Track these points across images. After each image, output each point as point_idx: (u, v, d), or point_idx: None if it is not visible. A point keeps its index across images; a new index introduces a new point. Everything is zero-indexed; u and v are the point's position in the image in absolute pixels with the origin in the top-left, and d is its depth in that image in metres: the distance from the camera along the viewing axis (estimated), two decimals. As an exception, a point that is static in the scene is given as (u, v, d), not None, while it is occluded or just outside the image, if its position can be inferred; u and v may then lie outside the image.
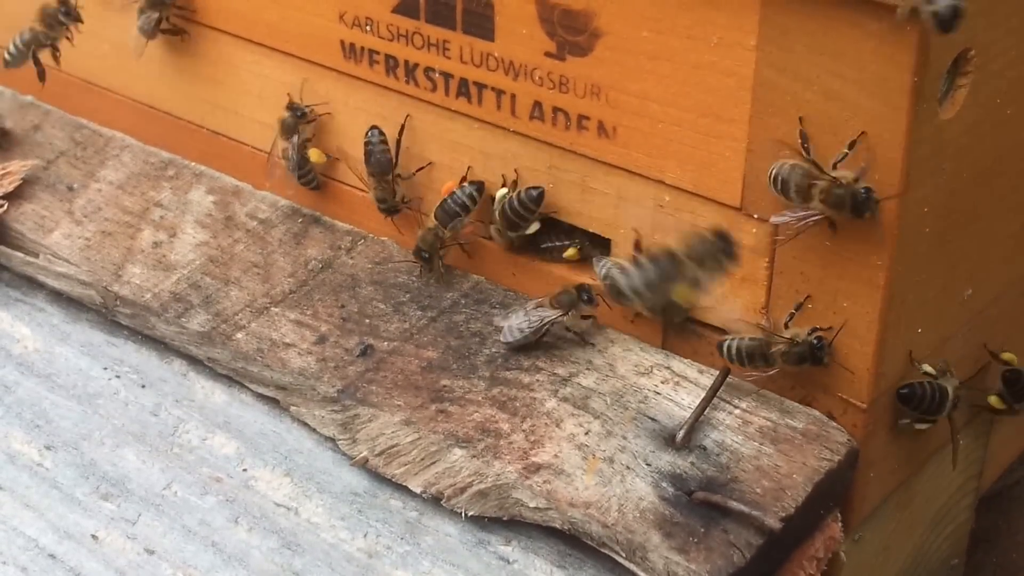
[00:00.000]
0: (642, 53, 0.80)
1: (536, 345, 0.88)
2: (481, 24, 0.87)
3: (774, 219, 0.78)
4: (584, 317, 0.88)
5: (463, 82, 0.90)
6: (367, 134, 0.94)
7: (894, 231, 0.75)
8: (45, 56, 1.07)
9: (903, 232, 0.76)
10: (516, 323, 0.87)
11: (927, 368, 0.83)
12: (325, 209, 1.02)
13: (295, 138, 0.98)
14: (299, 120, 0.97)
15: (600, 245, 0.89)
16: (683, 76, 0.79)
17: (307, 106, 0.97)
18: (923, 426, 0.85)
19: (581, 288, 0.87)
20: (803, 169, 0.76)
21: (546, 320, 0.86)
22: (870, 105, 0.73)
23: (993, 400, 0.91)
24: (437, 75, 0.91)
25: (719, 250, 0.78)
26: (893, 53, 0.71)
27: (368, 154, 0.94)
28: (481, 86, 0.89)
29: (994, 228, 0.85)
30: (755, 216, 0.80)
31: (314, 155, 0.98)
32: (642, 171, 0.84)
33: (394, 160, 0.94)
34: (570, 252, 0.90)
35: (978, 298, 0.87)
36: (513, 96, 0.88)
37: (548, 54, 0.85)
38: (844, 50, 0.72)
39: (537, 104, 0.87)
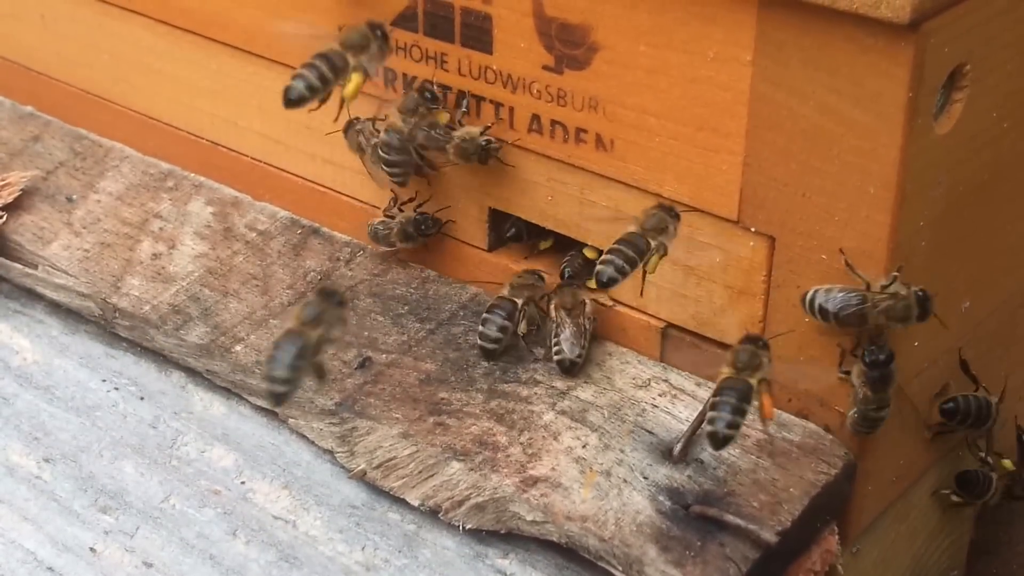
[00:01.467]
0: (639, 67, 0.80)
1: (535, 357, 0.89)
2: (479, 37, 0.87)
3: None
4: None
5: (461, 94, 0.90)
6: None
7: (890, 245, 0.75)
8: None
9: (899, 246, 0.76)
10: (567, 338, 0.86)
11: (983, 455, 0.93)
12: (324, 220, 1.02)
13: (409, 120, 0.89)
14: (426, 106, 0.88)
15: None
16: (680, 90, 0.79)
17: (443, 94, 0.88)
18: (959, 500, 0.93)
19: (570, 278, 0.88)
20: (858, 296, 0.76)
21: (589, 314, 0.87)
22: (865, 120, 0.73)
23: (1007, 463, 0.95)
24: (436, 88, 0.91)
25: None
26: (888, 68, 0.71)
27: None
28: (480, 99, 0.89)
29: (991, 240, 0.85)
30: (752, 229, 0.80)
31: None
32: (640, 184, 0.84)
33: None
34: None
35: (976, 310, 0.87)
36: (511, 109, 0.88)
37: (546, 67, 0.85)
38: (839, 65, 0.73)
39: (535, 117, 0.87)
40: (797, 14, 0.73)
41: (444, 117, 0.89)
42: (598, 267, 0.79)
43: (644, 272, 0.80)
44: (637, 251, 0.79)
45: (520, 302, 0.88)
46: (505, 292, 0.89)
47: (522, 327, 0.89)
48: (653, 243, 0.79)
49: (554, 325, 0.87)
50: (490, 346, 0.88)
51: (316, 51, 0.72)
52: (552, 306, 0.87)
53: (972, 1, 0.73)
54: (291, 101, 0.72)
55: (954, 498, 0.94)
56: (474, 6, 0.86)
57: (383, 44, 0.71)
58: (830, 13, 0.71)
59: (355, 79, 0.71)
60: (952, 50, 0.73)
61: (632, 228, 0.80)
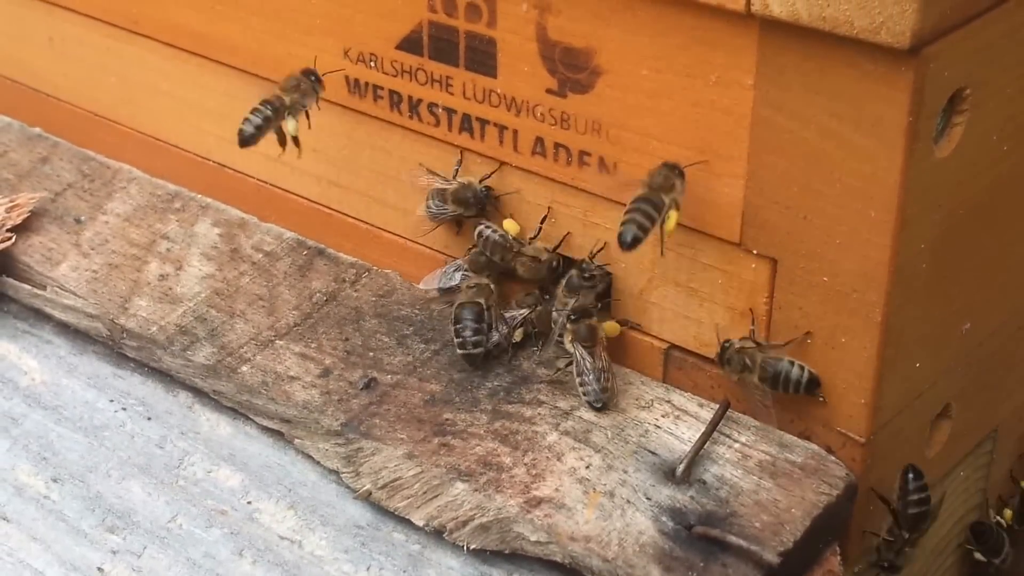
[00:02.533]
0: (642, 91, 0.81)
1: (539, 378, 0.90)
2: (484, 61, 0.87)
3: None
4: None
5: (466, 117, 0.90)
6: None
7: (891, 268, 0.76)
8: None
9: (900, 269, 0.76)
10: (595, 383, 0.86)
11: (998, 519, 0.99)
12: (330, 241, 1.03)
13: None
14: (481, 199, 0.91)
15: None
16: (682, 113, 0.80)
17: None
18: (981, 558, 0.98)
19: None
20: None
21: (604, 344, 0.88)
22: (866, 144, 0.74)
23: (1007, 513, 1.00)
24: (440, 110, 0.92)
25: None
26: (888, 93, 0.72)
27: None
28: (484, 122, 0.90)
29: (992, 262, 0.86)
30: (754, 252, 0.81)
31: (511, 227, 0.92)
32: (643, 206, 0.85)
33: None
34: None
35: (977, 332, 0.87)
36: (515, 132, 0.88)
37: (550, 91, 0.86)
38: (840, 89, 0.73)
39: (539, 140, 0.88)
40: (798, 39, 0.74)
41: (513, 227, 0.92)
42: (620, 228, 0.79)
43: (663, 231, 0.81)
44: (654, 208, 0.79)
45: (483, 302, 0.90)
46: (464, 299, 0.90)
47: (518, 334, 0.90)
48: (667, 199, 0.80)
49: (574, 363, 0.87)
50: (475, 351, 0.89)
51: (636, 195, 0.80)
52: (568, 340, 0.87)
53: (972, 26, 0.73)
54: (628, 244, 0.80)
55: (977, 555, 0.97)
56: (479, 30, 0.87)
57: (684, 182, 0.81)
58: (831, 38, 0.72)
59: (673, 216, 0.80)
60: (952, 74, 0.73)
61: (641, 191, 0.80)
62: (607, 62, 0.82)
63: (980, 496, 0.99)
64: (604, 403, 0.86)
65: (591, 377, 0.86)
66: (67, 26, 1.12)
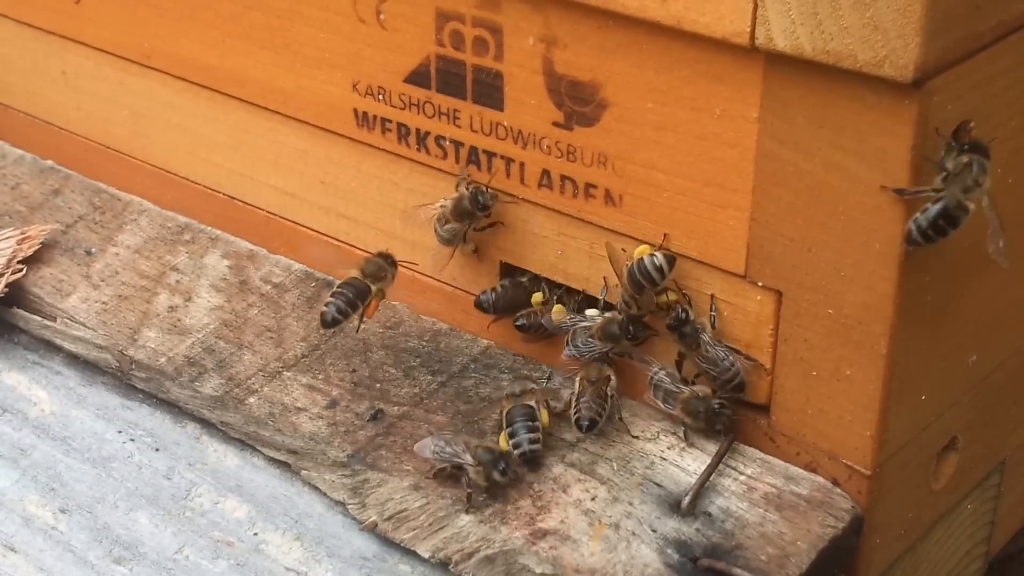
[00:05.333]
0: (647, 124, 0.82)
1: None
2: (490, 94, 0.88)
3: None
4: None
5: (473, 150, 0.91)
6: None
7: (896, 300, 0.76)
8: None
9: (904, 301, 0.76)
10: (585, 402, 0.87)
11: None
12: (337, 273, 1.03)
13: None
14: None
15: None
16: (687, 147, 0.81)
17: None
18: None
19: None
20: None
21: (613, 387, 0.88)
22: (870, 177, 0.74)
23: None
24: (448, 143, 0.92)
25: None
26: (892, 126, 0.72)
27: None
28: (491, 154, 0.90)
29: (997, 295, 0.86)
30: (759, 284, 0.81)
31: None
32: (648, 238, 0.85)
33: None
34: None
35: (983, 364, 0.87)
36: (522, 164, 0.89)
37: (556, 124, 0.86)
38: (844, 123, 0.74)
39: (545, 172, 0.88)
40: (802, 73, 0.74)
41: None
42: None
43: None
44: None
45: (375, 288, 0.91)
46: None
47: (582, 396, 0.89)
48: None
49: (576, 394, 0.87)
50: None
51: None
52: (578, 378, 0.88)
53: (976, 59, 0.74)
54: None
55: None
56: (486, 64, 0.87)
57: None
58: (835, 72, 0.72)
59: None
60: (956, 108, 0.74)
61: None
62: (613, 95, 0.82)
63: (987, 530, 0.98)
64: (590, 422, 0.86)
65: (584, 399, 0.86)
66: (80, 60, 1.13)
